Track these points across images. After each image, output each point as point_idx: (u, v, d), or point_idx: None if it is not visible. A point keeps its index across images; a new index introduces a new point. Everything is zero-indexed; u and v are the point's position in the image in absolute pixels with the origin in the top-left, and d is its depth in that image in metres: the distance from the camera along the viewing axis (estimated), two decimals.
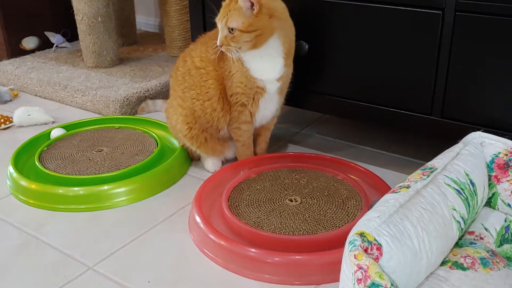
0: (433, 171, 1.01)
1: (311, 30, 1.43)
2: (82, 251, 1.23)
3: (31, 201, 1.42)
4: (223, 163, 1.58)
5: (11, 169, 1.50)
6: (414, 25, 1.29)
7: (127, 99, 1.93)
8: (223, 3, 1.33)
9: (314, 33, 1.45)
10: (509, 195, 1.08)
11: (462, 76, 1.26)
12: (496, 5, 1.17)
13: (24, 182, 1.44)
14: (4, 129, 1.87)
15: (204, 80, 1.43)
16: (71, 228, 1.32)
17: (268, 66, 1.38)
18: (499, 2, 1.17)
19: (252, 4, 1.27)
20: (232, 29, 1.29)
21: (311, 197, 1.33)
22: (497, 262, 0.96)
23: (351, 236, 0.83)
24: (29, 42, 2.49)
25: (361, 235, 0.82)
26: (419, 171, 1.03)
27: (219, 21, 1.31)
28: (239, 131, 1.48)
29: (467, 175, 1.03)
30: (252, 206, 1.30)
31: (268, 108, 1.48)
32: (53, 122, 1.90)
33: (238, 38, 1.30)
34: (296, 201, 1.32)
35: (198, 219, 1.23)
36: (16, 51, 2.45)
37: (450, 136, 1.22)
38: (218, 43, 1.32)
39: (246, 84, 1.39)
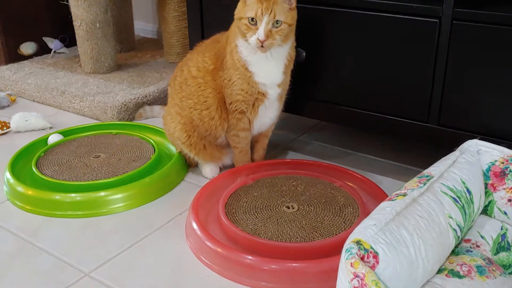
0: (429, 179, 1.01)
1: (309, 38, 1.44)
2: (79, 258, 1.23)
3: (27, 207, 1.42)
4: (220, 169, 1.58)
5: (8, 174, 1.49)
6: (411, 33, 1.29)
7: (125, 105, 1.93)
8: None
9: (312, 41, 1.45)
10: (506, 203, 1.08)
11: (459, 84, 1.27)
12: (492, 14, 1.18)
13: (20, 188, 1.44)
14: (2, 134, 1.86)
15: (202, 90, 1.44)
16: (68, 234, 1.32)
17: (272, 70, 1.39)
18: (496, 11, 1.18)
19: None
20: (277, 22, 1.29)
21: (308, 204, 1.33)
22: (493, 270, 0.96)
23: (348, 244, 0.83)
24: (27, 48, 2.50)
25: (358, 243, 0.82)
26: (415, 179, 1.03)
27: (265, 14, 1.27)
28: (237, 138, 1.49)
29: (464, 183, 1.04)
30: (249, 213, 1.30)
31: (268, 115, 1.48)
32: (50, 128, 1.90)
33: (283, 31, 1.30)
34: (293, 208, 1.32)
35: (195, 225, 1.23)
36: (14, 57, 2.46)
37: (446, 144, 1.22)
38: (262, 37, 1.27)
39: (247, 91, 1.40)
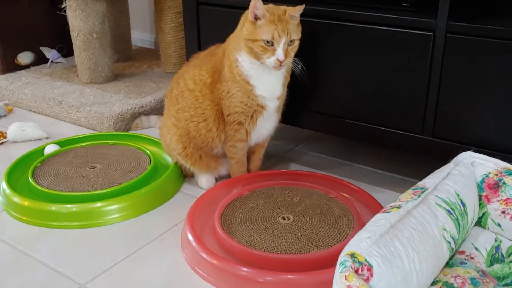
0: (424, 191, 1.02)
1: (304, 50, 1.45)
2: (74, 269, 1.23)
3: (24, 218, 1.42)
4: (216, 179, 1.58)
5: (4, 185, 1.49)
6: (406, 46, 1.31)
7: (121, 115, 1.93)
8: (267, 18, 1.30)
9: (307, 52, 1.46)
10: (499, 215, 1.09)
11: (453, 96, 1.28)
12: (485, 28, 1.19)
13: (16, 199, 1.44)
14: None
15: (199, 102, 1.45)
16: (63, 245, 1.32)
17: (273, 83, 1.41)
18: (488, 25, 1.19)
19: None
20: (291, 41, 1.32)
21: (303, 215, 1.34)
22: (487, 282, 0.96)
23: (342, 256, 0.83)
24: (25, 57, 2.50)
25: (352, 255, 0.83)
26: (410, 191, 1.04)
27: (283, 35, 1.29)
28: (234, 149, 1.49)
29: (458, 195, 1.04)
30: (245, 224, 1.31)
31: (265, 127, 1.49)
32: (47, 138, 1.91)
33: (296, 47, 1.35)
34: (288, 219, 1.32)
35: (190, 237, 1.23)
36: (11, 66, 2.46)
37: (441, 156, 1.23)
38: (282, 58, 1.30)
39: (247, 103, 1.41)
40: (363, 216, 1.33)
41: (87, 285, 1.17)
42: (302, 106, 1.54)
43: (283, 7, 1.33)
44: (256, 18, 1.31)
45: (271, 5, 1.35)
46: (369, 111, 1.42)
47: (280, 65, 1.33)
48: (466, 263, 1.03)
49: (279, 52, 1.30)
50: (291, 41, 1.32)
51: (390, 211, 0.95)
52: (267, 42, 1.31)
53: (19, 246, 1.31)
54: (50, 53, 2.53)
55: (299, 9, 1.33)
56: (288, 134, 1.90)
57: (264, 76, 1.38)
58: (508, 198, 1.08)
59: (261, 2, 1.30)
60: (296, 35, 1.33)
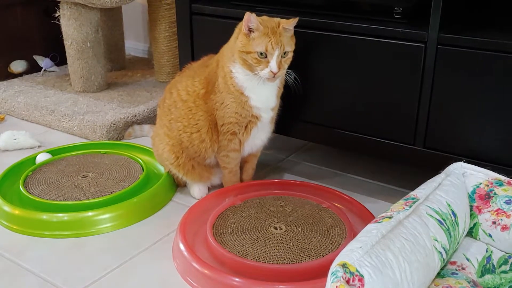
0: (415, 202, 1.02)
1: (297, 60, 1.45)
2: (64, 278, 1.22)
3: (14, 227, 1.41)
4: (209, 189, 1.58)
5: None
6: (397, 57, 1.32)
7: (114, 124, 1.93)
8: (260, 31, 1.31)
9: (300, 63, 1.47)
10: (490, 226, 1.09)
11: (444, 107, 1.29)
12: (476, 40, 1.20)
13: (7, 208, 1.43)
14: None
15: (193, 113, 1.45)
16: (54, 255, 1.31)
17: (268, 95, 1.42)
18: (479, 37, 1.21)
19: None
20: (285, 53, 1.33)
21: (296, 225, 1.34)
22: None
23: (333, 267, 0.83)
24: (17, 66, 2.49)
25: (343, 266, 0.83)
26: (401, 201, 1.04)
27: (276, 48, 1.31)
28: (227, 159, 1.49)
29: (449, 205, 1.05)
30: (237, 234, 1.30)
31: (259, 137, 1.50)
32: (39, 147, 1.90)
33: (290, 59, 1.36)
34: (281, 229, 1.32)
35: (182, 247, 1.23)
36: (4, 75, 2.45)
37: (432, 166, 1.24)
38: (275, 70, 1.32)
39: (241, 114, 1.41)
40: (355, 226, 1.34)
41: None
42: (295, 116, 1.54)
43: (277, 20, 1.34)
44: (250, 30, 1.32)
45: (265, 17, 1.35)
46: (361, 122, 1.43)
47: (274, 77, 1.33)
48: (457, 274, 1.03)
49: (273, 64, 1.31)
50: (284, 53, 1.34)
51: (381, 221, 0.96)
52: (261, 54, 1.32)
53: (9, 256, 1.30)
54: (43, 61, 2.53)
55: (293, 21, 1.34)
56: (281, 144, 1.91)
57: (258, 87, 1.39)
58: (499, 209, 1.09)
59: (254, 15, 1.31)
60: (290, 47, 1.35)
